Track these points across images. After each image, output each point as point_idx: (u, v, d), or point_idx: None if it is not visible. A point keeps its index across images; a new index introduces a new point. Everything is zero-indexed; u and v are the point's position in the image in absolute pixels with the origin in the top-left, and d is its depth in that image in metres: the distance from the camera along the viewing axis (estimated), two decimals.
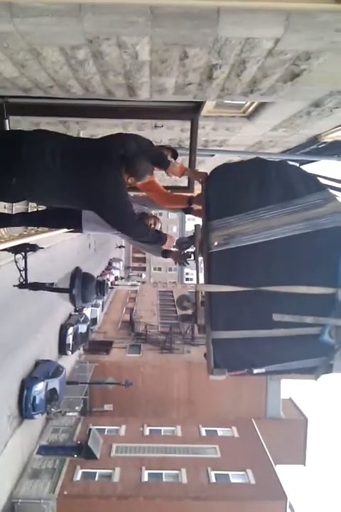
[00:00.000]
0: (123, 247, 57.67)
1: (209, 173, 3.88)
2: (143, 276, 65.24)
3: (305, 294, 3.20)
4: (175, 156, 4.62)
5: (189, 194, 5.02)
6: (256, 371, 3.47)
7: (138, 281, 53.65)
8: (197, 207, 4.31)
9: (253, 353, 3.37)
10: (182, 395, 25.01)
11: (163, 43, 2.86)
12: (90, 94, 3.92)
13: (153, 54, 3.03)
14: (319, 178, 3.66)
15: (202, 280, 3.59)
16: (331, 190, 3.52)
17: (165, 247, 3.98)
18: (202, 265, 3.66)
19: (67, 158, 3.31)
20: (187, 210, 4.55)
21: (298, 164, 4.23)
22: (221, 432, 22.52)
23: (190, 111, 4.97)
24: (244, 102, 5.27)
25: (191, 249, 4.18)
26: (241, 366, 3.48)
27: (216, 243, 3.46)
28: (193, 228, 4.13)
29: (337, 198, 3.44)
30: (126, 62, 3.17)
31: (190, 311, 3.70)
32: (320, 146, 6.44)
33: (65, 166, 3.30)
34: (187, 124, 5.33)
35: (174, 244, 4.17)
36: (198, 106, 4.90)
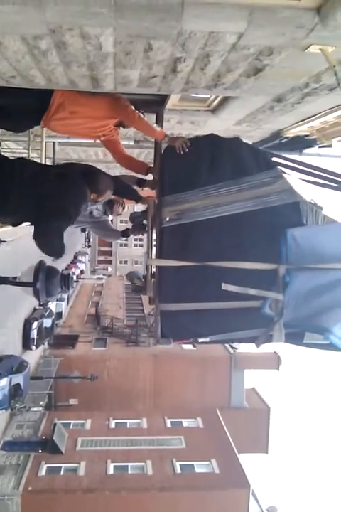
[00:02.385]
0: (90, 246, 57.40)
1: (164, 148, 3.92)
2: (109, 269, 64.80)
3: (251, 269, 3.31)
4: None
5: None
6: (201, 340, 3.63)
7: (104, 275, 53.27)
8: (152, 179, 4.37)
9: (199, 323, 3.52)
10: (148, 388, 25.08)
11: (127, 34, 2.85)
12: (53, 85, 3.85)
13: (117, 46, 3.01)
14: (270, 157, 3.76)
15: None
16: (280, 168, 3.62)
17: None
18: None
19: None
20: (141, 182, 4.58)
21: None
22: (186, 422, 22.72)
23: (155, 104, 4.96)
24: (208, 96, 5.30)
25: (144, 222, 4.24)
26: (187, 336, 3.66)
27: (168, 218, 3.54)
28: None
29: (285, 176, 3.54)
30: (90, 53, 3.14)
31: (140, 284, 3.81)
32: (282, 141, 6.55)
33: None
34: (153, 117, 5.32)
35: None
36: (163, 99, 4.90)
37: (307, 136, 6.26)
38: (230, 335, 3.62)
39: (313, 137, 6.24)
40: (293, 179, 3.72)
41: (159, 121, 5.08)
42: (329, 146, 6.35)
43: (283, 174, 3.59)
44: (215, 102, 5.35)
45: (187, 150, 3.75)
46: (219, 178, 3.56)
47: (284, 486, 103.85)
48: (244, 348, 26.44)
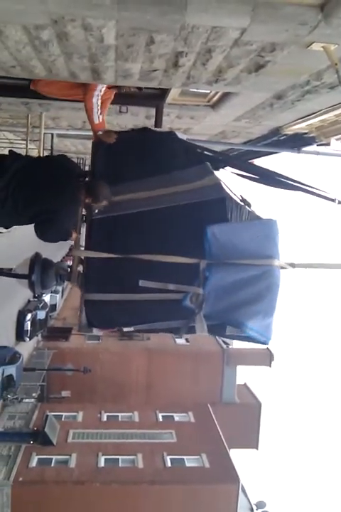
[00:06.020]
0: None
1: (96, 141, 3.97)
2: None
3: (174, 263, 3.37)
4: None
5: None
6: (125, 329, 3.85)
7: None
8: None
9: (123, 314, 3.64)
10: (141, 381, 25.13)
11: (130, 27, 2.83)
12: (54, 76, 3.84)
13: (118, 38, 2.99)
14: (202, 152, 3.81)
15: None
16: (210, 163, 3.65)
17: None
18: None
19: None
20: None
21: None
22: (177, 417, 22.76)
23: (155, 98, 4.95)
24: (208, 91, 5.29)
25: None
26: (112, 325, 3.79)
27: (97, 210, 3.62)
28: None
29: (213, 172, 3.59)
30: (92, 45, 3.12)
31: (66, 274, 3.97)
32: (281, 138, 6.56)
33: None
34: (152, 111, 5.31)
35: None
36: (163, 93, 4.89)
37: (306, 133, 6.27)
38: (154, 325, 3.73)
39: (312, 135, 6.25)
40: (225, 173, 3.79)
41: (159, 115, 5.08)
42: (328, 144, 6.36)
43: (212, 169, 3.63)
44: (215, 98, 5.34)
45: (118, 144, 3.80)
46: (148, 171, 3.63)
47: (273, 482, 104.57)
48: (237, 344, 26.52)
